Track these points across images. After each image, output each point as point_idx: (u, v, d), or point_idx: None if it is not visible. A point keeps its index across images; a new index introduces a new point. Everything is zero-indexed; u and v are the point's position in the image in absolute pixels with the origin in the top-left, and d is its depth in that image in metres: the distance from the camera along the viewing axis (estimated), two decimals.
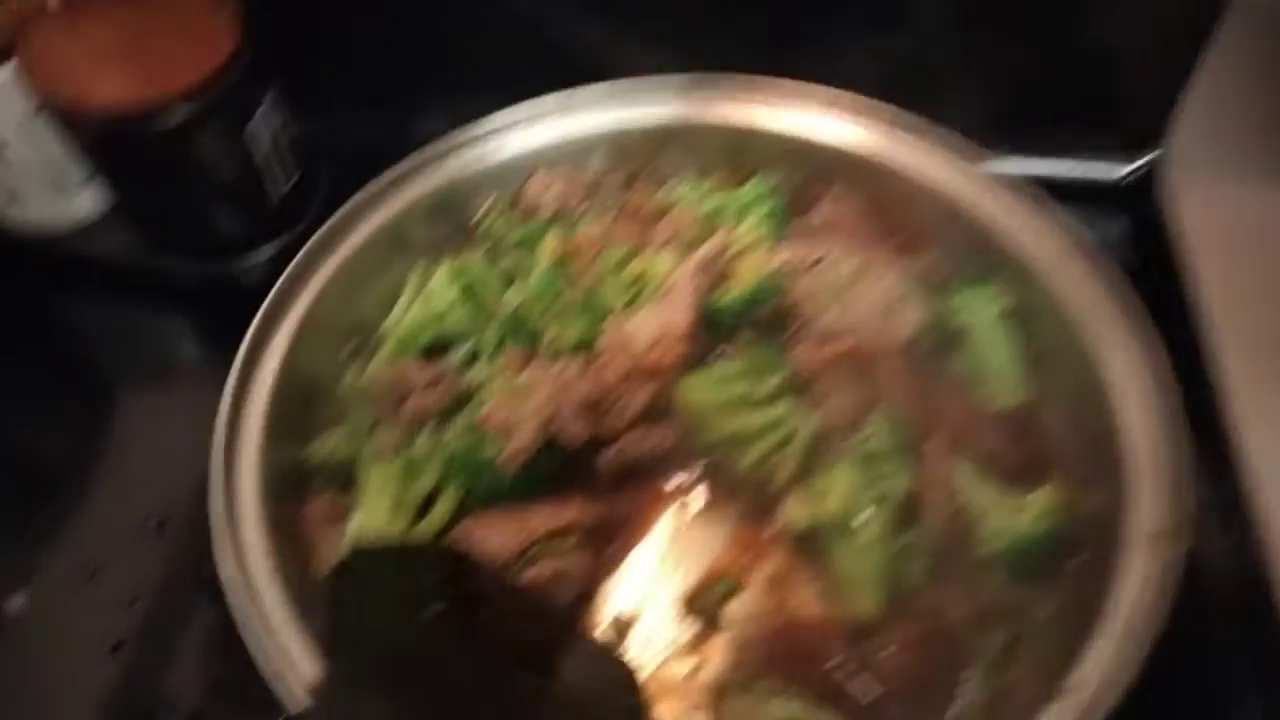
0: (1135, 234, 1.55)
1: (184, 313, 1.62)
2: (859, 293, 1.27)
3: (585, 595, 1.14)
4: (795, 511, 1.13)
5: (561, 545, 1.12)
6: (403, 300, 1.35)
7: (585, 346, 1.24)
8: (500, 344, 1.28)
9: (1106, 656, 0.92)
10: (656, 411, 1.20)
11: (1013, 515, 1.09)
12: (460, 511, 1.15)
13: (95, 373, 1.62)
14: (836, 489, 1.11)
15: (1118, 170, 1.61)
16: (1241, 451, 1.21)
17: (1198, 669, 1.13)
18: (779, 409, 1.17)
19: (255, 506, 1.10)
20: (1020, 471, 1.17)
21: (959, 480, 1.15)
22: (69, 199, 1.61)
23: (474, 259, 1.38)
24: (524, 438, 1.12)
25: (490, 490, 1.14)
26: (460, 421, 1.18)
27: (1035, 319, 1.25)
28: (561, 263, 1.35)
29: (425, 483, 1.15)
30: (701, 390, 1.19)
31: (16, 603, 1.30)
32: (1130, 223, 1.57)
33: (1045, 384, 1.23)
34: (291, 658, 0.98)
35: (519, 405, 1.14)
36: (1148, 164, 1.58)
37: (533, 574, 1.10)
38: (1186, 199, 1.49)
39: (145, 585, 1.28)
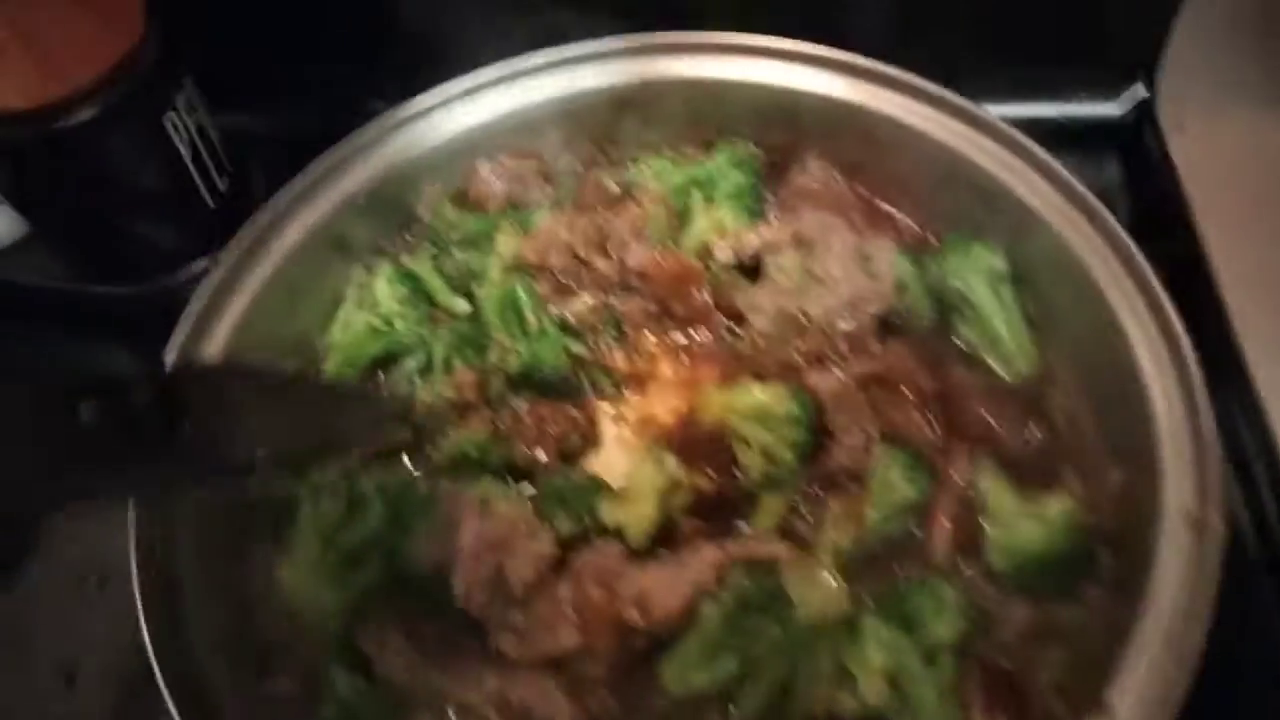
0: (1132, 174, 1.46)
1: (120, 339, 1.46)
2: (846, 267, 1.15)
3: None
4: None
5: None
6: (344, 309, 1.23)
7: (536, 374, 1.14)
8: (448, 361, 1.18)
9: (1149, 664, 0.82)
10: None
11: (1030, 529, 1.00)
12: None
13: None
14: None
15: (1110, 109, 1.50)
16: (1260, 395, 1.11)
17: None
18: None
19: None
20: (1036, 457, 1.08)
21: (978, 484, 1.05)
22: None
23: (419, 260, 1.26)
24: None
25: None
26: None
27: (1038, 278, 1.15)
28: (517, 266, 1.25)
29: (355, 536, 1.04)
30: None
31: None
32: (1126, 162, 1.47)
33: (1055, 351, 1.14)
34: None
35: None
36: (1140, 101, 1.47)
37: None
38: (1182, 133, 1.40)
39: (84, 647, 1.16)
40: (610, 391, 1.19)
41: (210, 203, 1.38)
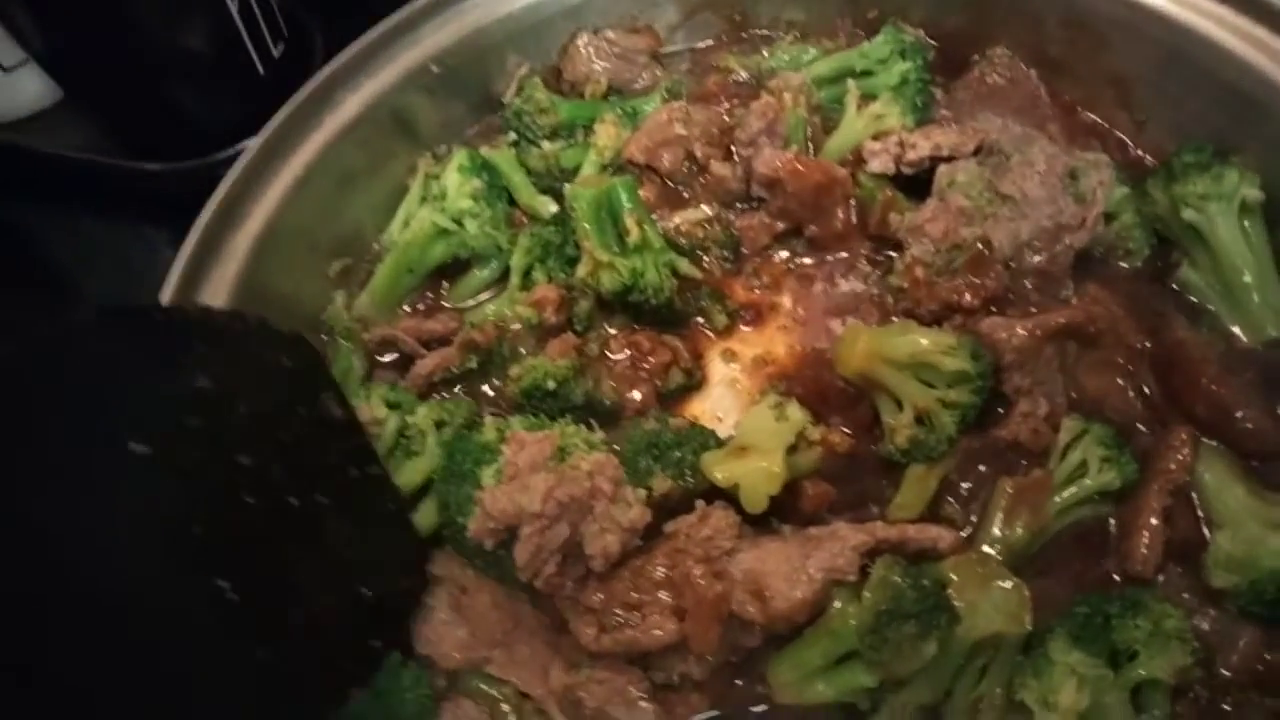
0: None
1: (158, 222, 1.32)
2: (1049, 186, 0.90)
3: None
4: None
5: None
6: (406, 203, 1.04)
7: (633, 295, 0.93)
8: (528, 273, 0.98)
9: None
10: None
11: (1273, 540, 0.78)
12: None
13: (56, 292, 1.33)
14: None
15: None
16: None
17: None
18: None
19: None
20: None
21: (1200, 475, 0.82)
22: (9, 84, 1.30)
23: (499, 151, 1.06)
24: None
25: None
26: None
27: None
28: (618, 166, 1.04)
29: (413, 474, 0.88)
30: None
31: None
32: None
33: None
34: None
35: None
36: None
37: None
38: None
39: None
40: (721, 322, 0.98)
41: (260, 69, 1.20)
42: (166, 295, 0.88)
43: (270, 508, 0.73)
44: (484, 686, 0.82)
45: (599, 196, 0.97)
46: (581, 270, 0.96)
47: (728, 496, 0.82)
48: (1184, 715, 0.74)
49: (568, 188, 1.01)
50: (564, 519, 0.77)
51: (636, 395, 0.94)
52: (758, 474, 0.80)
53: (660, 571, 0.79)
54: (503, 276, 1.01)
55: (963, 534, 0.83)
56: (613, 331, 0.97)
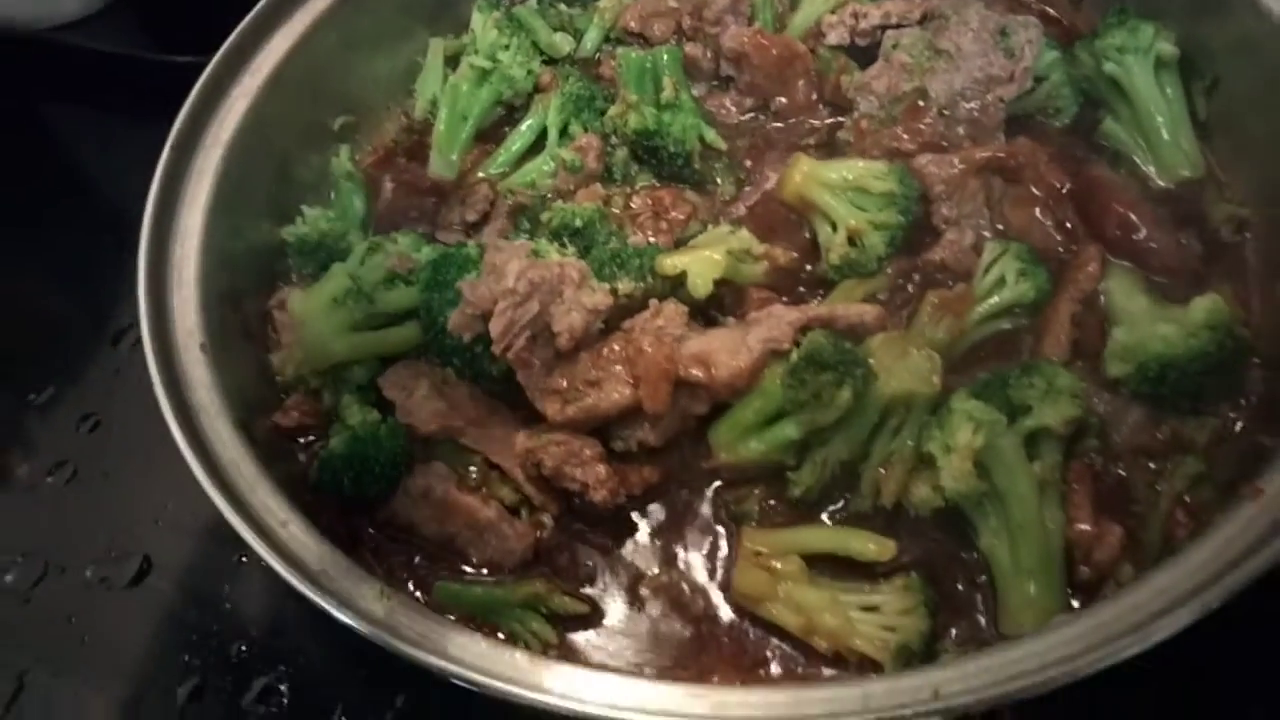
0: None
1: None
2: (980, 41, 1.01)
3: None
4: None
5: None
6: (425, 78, 1.18)
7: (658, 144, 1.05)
8: (566, 125, 1.10)
9: None
10: None
11: (1164, 331, 0.86)
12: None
13: (92, 195, 1.46)
14: None
15: None
16: None
17: None
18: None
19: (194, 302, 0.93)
20: (1186, 269, 0.94)
21: (1109, 287, 0.93)
22: None
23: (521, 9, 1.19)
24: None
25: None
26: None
27: (1218, 67, 0.99)
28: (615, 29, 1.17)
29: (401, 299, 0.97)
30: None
31: None
32: None
33: (1228, 153, 0.99)
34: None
35: None
36: None
37: None
38: None
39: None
40: (730, 192, 1.09)
41: None
42: (176, 125, 1.00)
43: None
44: (455, 456, 0.93)
45: (645, 60, 1.11)
46: (613, 111, 1.09)
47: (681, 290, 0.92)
48: (1081, 476, 0.83)
49: (619, 51, 1.14)
50: (535, 297, 0.87)
51: (657, 244, 1.01)
52: (701, 261, 0.91)
53: (618, 352, 0.90)
54: (538, 142, 1.12)
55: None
56: (640, 186, 1.08)
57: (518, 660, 0.71)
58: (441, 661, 0.70)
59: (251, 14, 1.07)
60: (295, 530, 0.76)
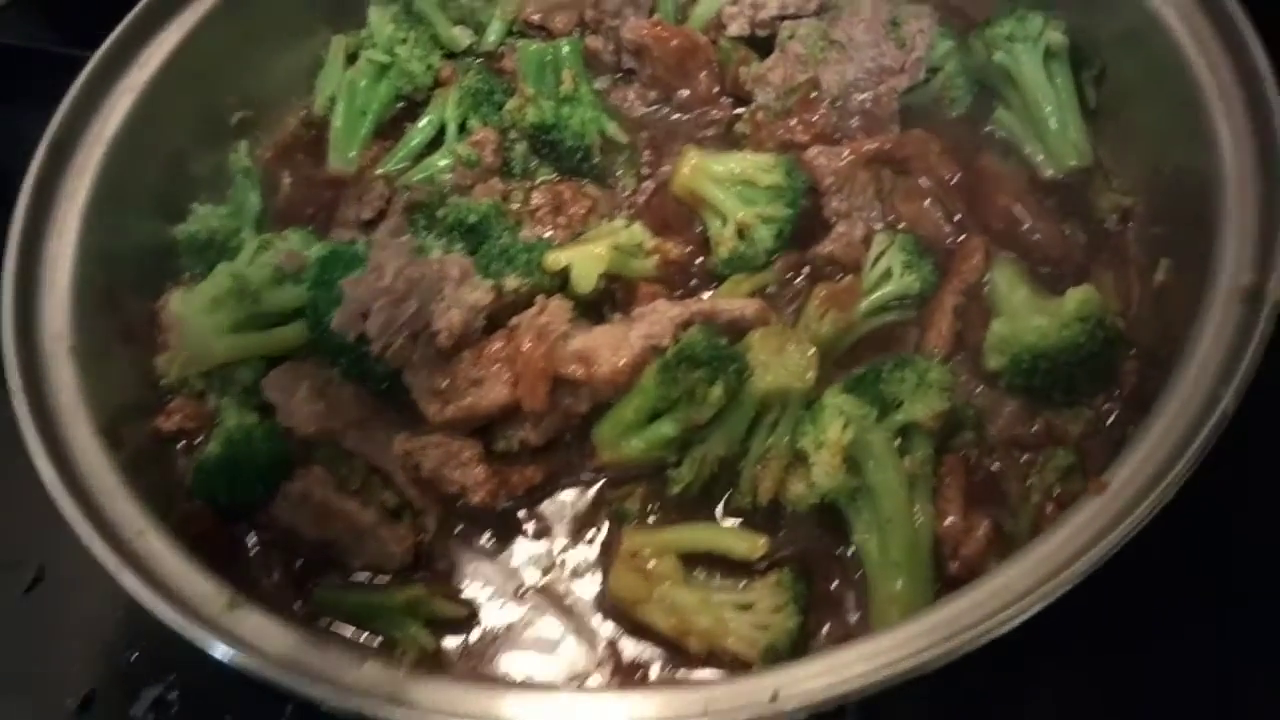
0: None
1: None
2: (873, 32, 1.01)
3: None
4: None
5: None
6: (326, 74, 1.16)
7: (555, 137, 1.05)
8: (465, 120, 1.10)
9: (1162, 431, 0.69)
10: None
11: (1038, 322, 0.86)
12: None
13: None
14: None
15: None
16: None
17: None
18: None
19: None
20: (1069, 259, 0.95)
21: (994, 280, 0.93)
22: None
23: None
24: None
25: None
26: None
27: (1106, 56, 1.00)
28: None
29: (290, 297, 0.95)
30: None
31: None
32: None
33: (1115, 142, 0.99)
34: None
35: None
36: None
37: None
38: None
39: None
40: (631, 185, 1.08)
41: None
42: (54, 121, 0.98)
43: None
44: (337, 459, 0.92)
45: (544, 52, 1.09)
46: (511, 105, 1.08)
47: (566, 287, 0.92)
48: (953, 469, 0.83)
49: (519, 43, 1.13)
50: (413, 295, 0.86)
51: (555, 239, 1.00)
52: (585, 256, 0.90)
53: (500, 350, 0.89)
54: (438, 137, 1.12)
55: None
56: (540, 181, 1.07)
57: (379, 673, 0.71)
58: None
59: (137, 7, 1.06)
60: (151, 540, 0.75)
